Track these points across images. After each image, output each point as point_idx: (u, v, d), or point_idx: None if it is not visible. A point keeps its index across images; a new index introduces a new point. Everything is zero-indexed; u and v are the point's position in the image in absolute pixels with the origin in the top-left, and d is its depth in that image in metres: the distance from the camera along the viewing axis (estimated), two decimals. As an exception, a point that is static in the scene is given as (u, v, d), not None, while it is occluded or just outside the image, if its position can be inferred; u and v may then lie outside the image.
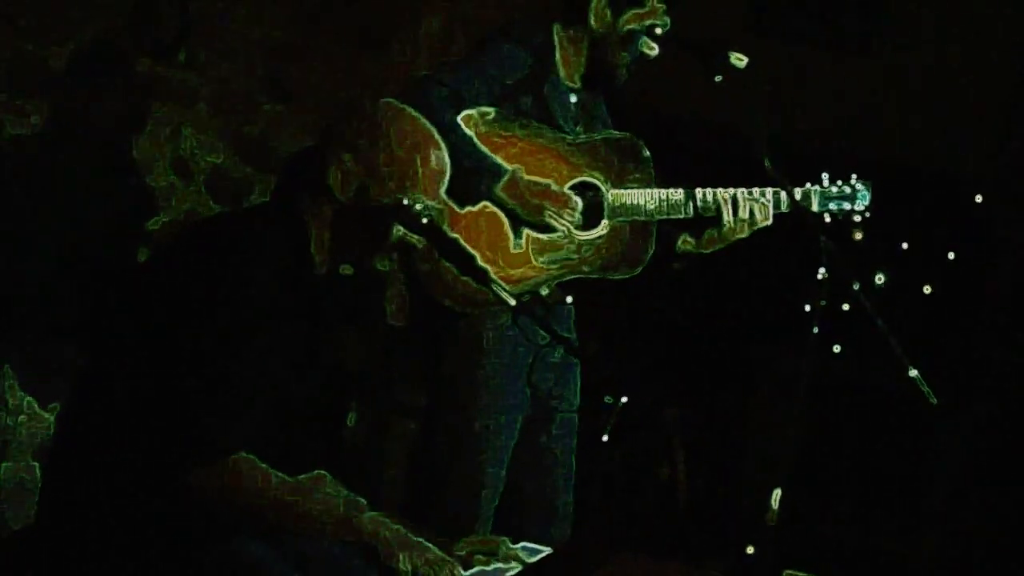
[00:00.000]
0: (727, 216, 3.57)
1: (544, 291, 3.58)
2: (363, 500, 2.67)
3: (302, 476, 2.63)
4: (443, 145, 2.69)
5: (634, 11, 3.54)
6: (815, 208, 3.67)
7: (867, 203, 3.69)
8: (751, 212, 3.57)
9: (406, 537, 2.50)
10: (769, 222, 3.61)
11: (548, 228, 3.53)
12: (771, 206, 3.60)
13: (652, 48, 3.56)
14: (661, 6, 3.55)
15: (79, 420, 2.58)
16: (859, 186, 3.70)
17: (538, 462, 3.71)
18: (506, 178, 3.48)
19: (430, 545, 2.52)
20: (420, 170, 2.64)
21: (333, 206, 2.63)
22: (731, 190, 3.60)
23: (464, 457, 3.57)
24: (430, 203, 2.66)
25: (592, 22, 3.57)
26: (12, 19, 4.52)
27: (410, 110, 2.69)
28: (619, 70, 3.61)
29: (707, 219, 3.63)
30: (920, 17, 5.32)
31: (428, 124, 2.69)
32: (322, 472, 2.71)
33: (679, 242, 3.74)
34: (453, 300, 3.49)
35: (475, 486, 3.56)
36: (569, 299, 3.66)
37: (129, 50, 4.73)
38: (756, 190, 3.60)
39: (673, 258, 3.75)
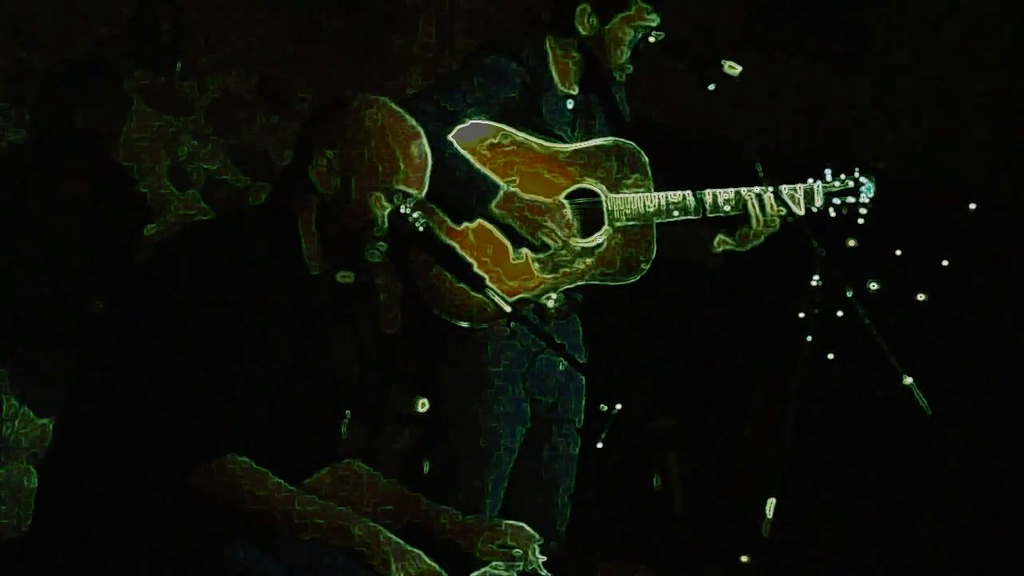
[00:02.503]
0: (755, 213, 3.58)
1: (551, 304, 3.59)
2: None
3: (324, 469, 2.67)
4: (422, 134, 2.67)
5: (621, 15, 3.56)
6: (819, 204, 3.65)
7: (872, 195, 3.65)
8: (780, 206, 3.57)
9: (399, 547, 2.50)
10: (801, 212, 3.59)
11: (543, 246, 3.54)
12: (798, 197, 3.60)
13: (654, 36, 3.56)
14: (647, 6, 3.56)
15: (75, 424, 2.57)
16: (863, 179, 3.66)
17: (540, 475, 3.69)
18: (501, 194, 3.48)
19: (421, 553, 2.51)
20: (402, 162, 2.63)
21: (318, 203, 2.62)
22: (730, 191, 3.61)
23: (467, 468, 3.56)
24: (414, 192, 2.65)
25: (580, 30, 3.59)
26: (13, 29, 4.54)
27: (389, 102, 2.68)
28: (615, 73, 3.62)
29: (727, 219, 3.62)
30: (912, 27, 5.34)
31: (406, 115, 2.68)
32: (352, 461, 2.74)
33: (715, 242, 3.73)
34: (453, 313, 3.50)
35: (478, 496, 3.56)
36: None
37: (126, 60, 4.75)
38: (757, 189, 3.60)
39: (710, 259, 3.75)
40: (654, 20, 3.54)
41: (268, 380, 2.52)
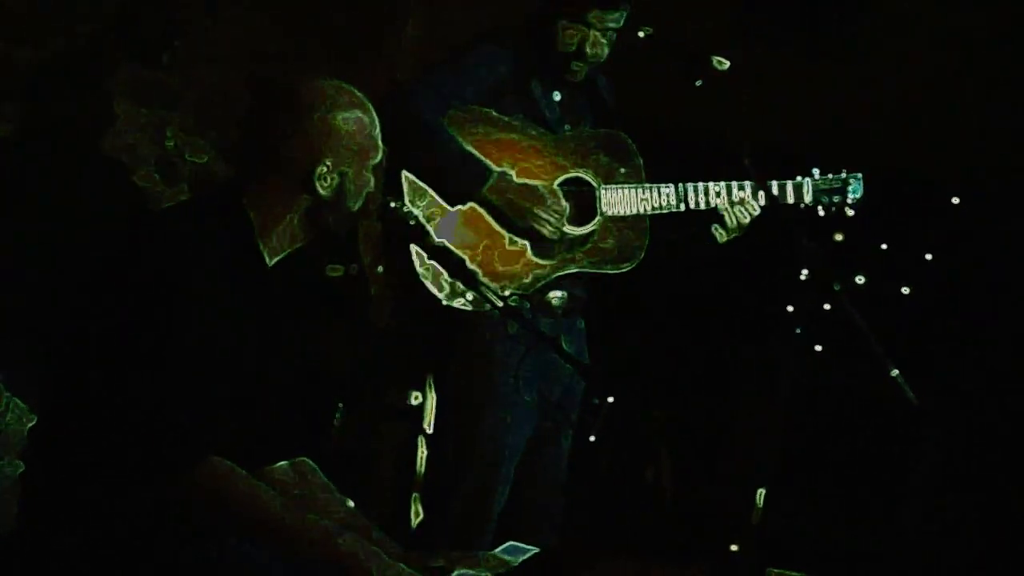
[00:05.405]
0: (728, 216, 3.61)
1: (556, 302, 3.62)
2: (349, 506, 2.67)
3: (284, 463, 2.64)
4: (371, 108, 2.60)
5: (570, 29, 3.59)
6: (808, 200, 3.71)
7: (859, 195, 3.73)
8: (744, 204, 3.61)
9: (382, 560, 2.49)
10: (756, 212, 3.63)
11: (533, 234, 3.55)
12: (757, 196, 3.63)
13: (600, 44, 3.60)
14: (602, 13, 3.57)
15: (52, 427, 2.53)
16: (850, 179, 3.74)
17: (543, 471, 3.72)
18: (494, 179, 3.50)
19: (404, 567, 2.51)
20: (352, 144, 2.56)
21: (309, 204, 2.57)
22: (721, 184, 3.64)
23: (475, 461, 3.58)
24: (367, 175, 2.60)
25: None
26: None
27: (345, 85, 2.61)
28: (573, 75, 3.66)
29: (703, 212, 3.66)
30: (901, 23, 5.36)
31: (363, 97, 2.61)
32: (304, 459, 2.71)
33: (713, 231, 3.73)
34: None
35: (487, 490, 3.58)
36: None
37: (113, 53, 4.74)
38: (748, 183, 3.63)
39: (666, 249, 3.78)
40: (612, 23, 3.56)
41: (242, 372, 2.49)
